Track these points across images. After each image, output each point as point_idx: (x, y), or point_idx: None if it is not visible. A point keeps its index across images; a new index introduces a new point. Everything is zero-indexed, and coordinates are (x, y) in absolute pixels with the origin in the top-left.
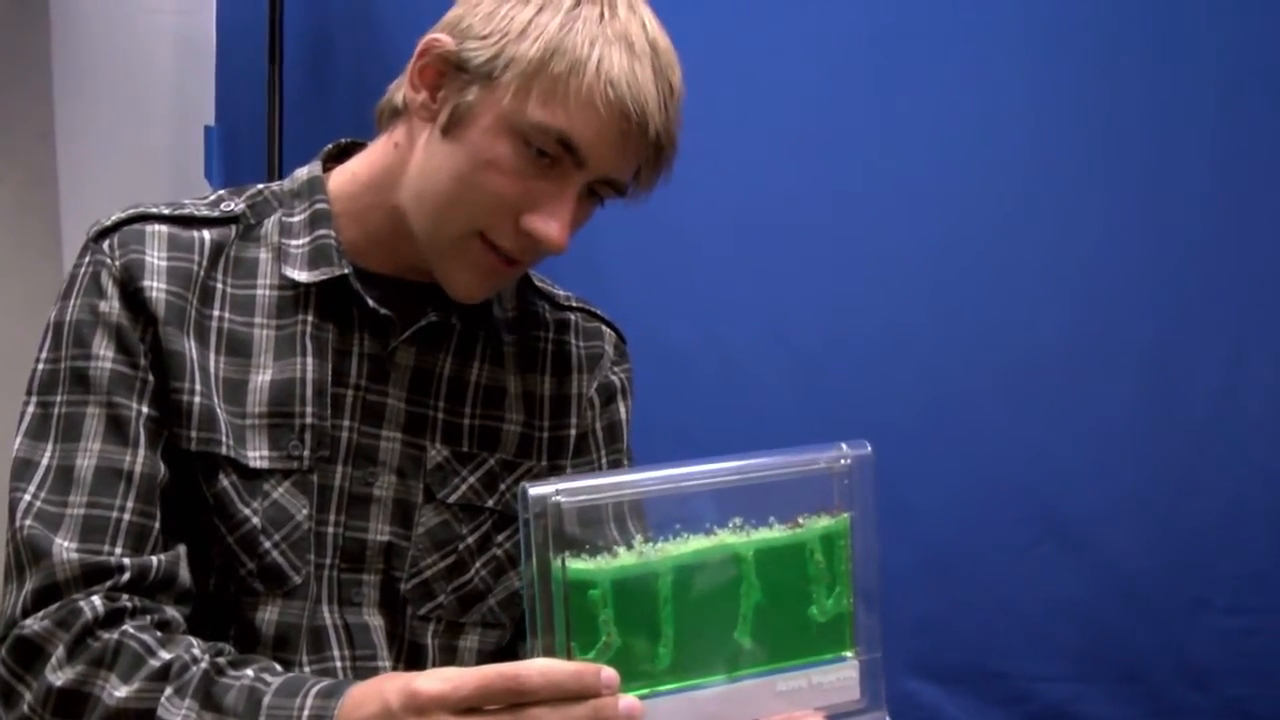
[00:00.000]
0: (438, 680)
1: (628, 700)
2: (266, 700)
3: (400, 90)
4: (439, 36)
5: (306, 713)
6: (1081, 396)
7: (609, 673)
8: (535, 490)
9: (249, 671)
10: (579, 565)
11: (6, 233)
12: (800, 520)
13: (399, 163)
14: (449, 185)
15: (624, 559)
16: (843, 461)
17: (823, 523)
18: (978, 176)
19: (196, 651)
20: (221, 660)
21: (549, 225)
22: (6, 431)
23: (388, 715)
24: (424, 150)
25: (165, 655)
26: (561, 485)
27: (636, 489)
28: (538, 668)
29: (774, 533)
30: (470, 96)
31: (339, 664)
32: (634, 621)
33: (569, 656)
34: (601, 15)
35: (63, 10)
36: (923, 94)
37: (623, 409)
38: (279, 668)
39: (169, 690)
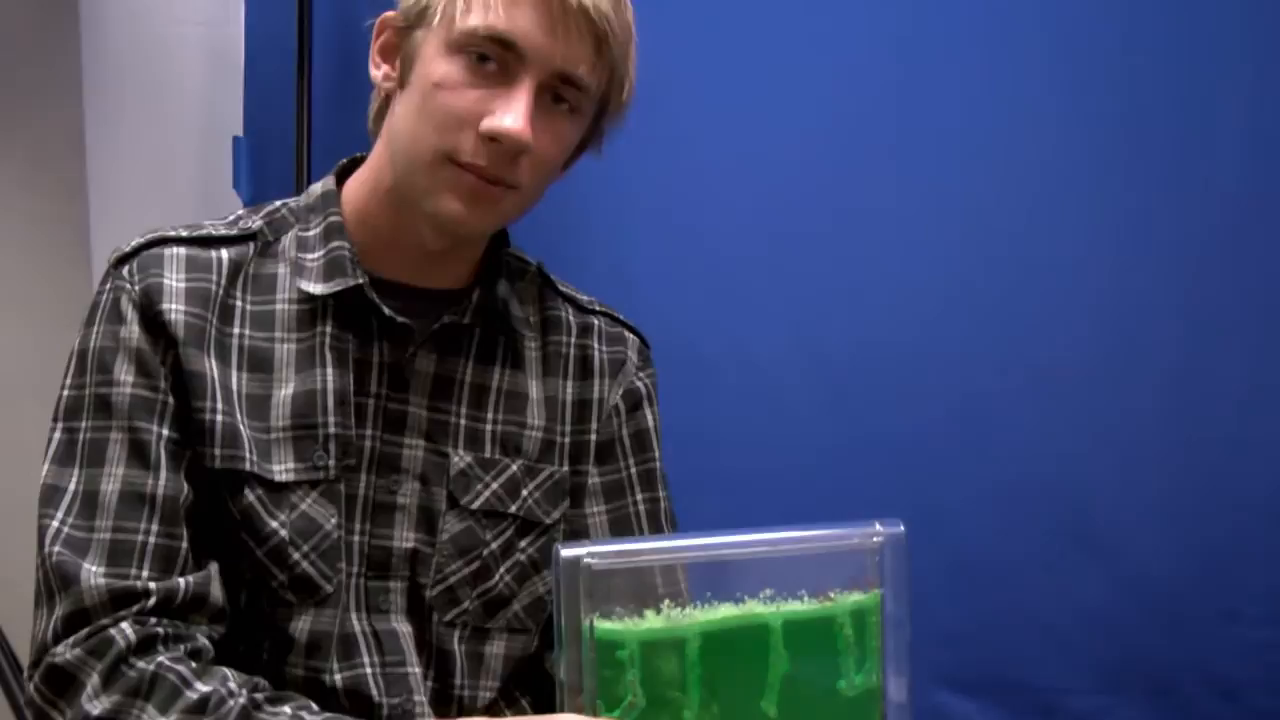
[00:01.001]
0: None
1: None
2: None
3: (378, 93)
4: (385, 14)
5: None
6: (1109, 404)
7: None
8: (566, 552)
9: (286, 709)
10: (607, 625)
11: (37, 242)
12: (831, 594)
13: (384, 148)
14: (411, 122)
15: (652, 622)
16: (875, 539)
17: (853, 598)
18: (1004, 183)
19: (233, 685)
20: (259, 695)
21: (504, 117)
22: (37, 439)
23: None
24: (393, 114)
25: (202, 688)
26: (593, 548)
27: (667, 555)
28: None
29: (804, 605)
30: (415, 41)
31: (369, 670)
32: (660, 684)
33: (594, 714)
34: None
35: (92, 23)
36: (948, 99)
37: (649, 416)
38: (315, 706)
39: None
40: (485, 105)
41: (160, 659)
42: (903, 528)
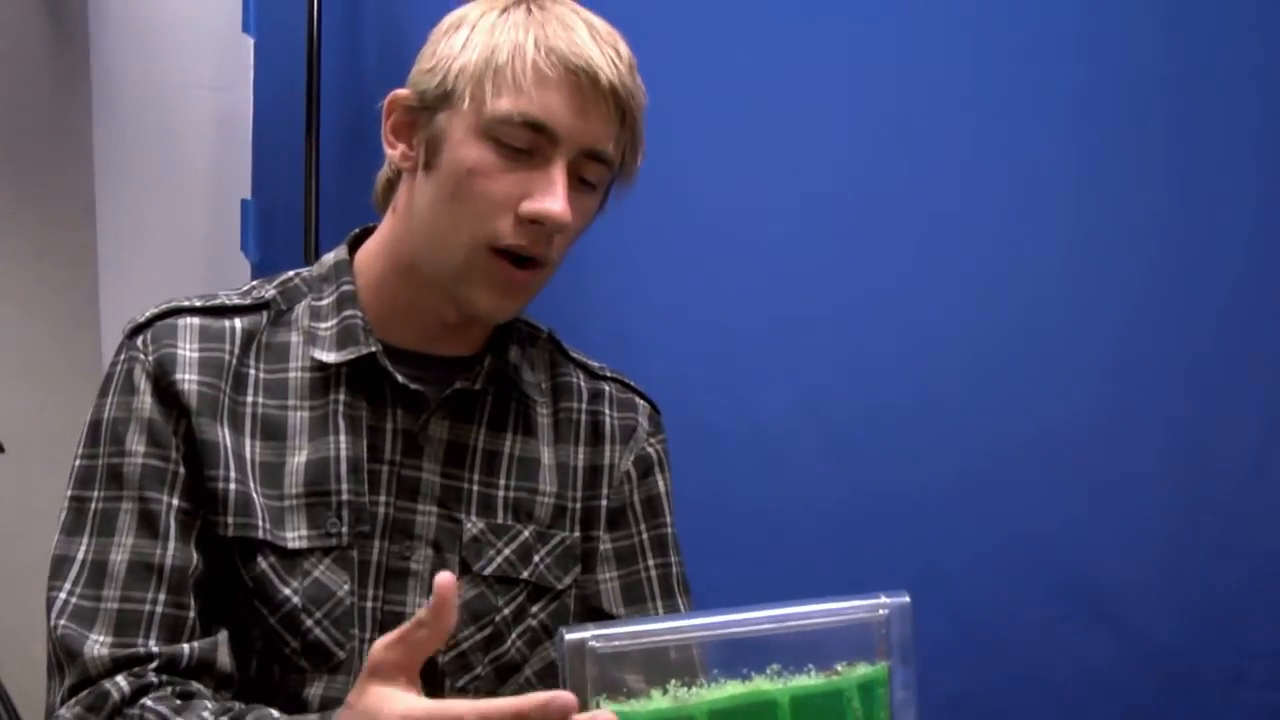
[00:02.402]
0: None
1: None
2: None
3: (386, 166)
4: (396, 91)
5: None
6: (1115, 468)
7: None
8: (571, 635)
9: (250, 716)
10: (613, 707)
11: (48, 307)
12: (838, 668)
13: (400, 224)
14: (443, 208)
15: (659, 702)
16: (881, 611)
17: (860, 670)
18: (1009, 249)
19: (208, 711)
20: (226, 718)
21: (545, 201)
22: (48, 503)
23: None
24: (415, 194)
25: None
26: (598, 631)
27: (672, 635)
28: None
29: (811, 680)
30: (438, 123)
31: None
32: None
33: None
34: (529, 11)
35: (103, 88)
36: (952, 165)
37: (661, 481)
38: (277, 713)
39: None
40: (522, 188)
41: (144, 701)
42: (908, 598)
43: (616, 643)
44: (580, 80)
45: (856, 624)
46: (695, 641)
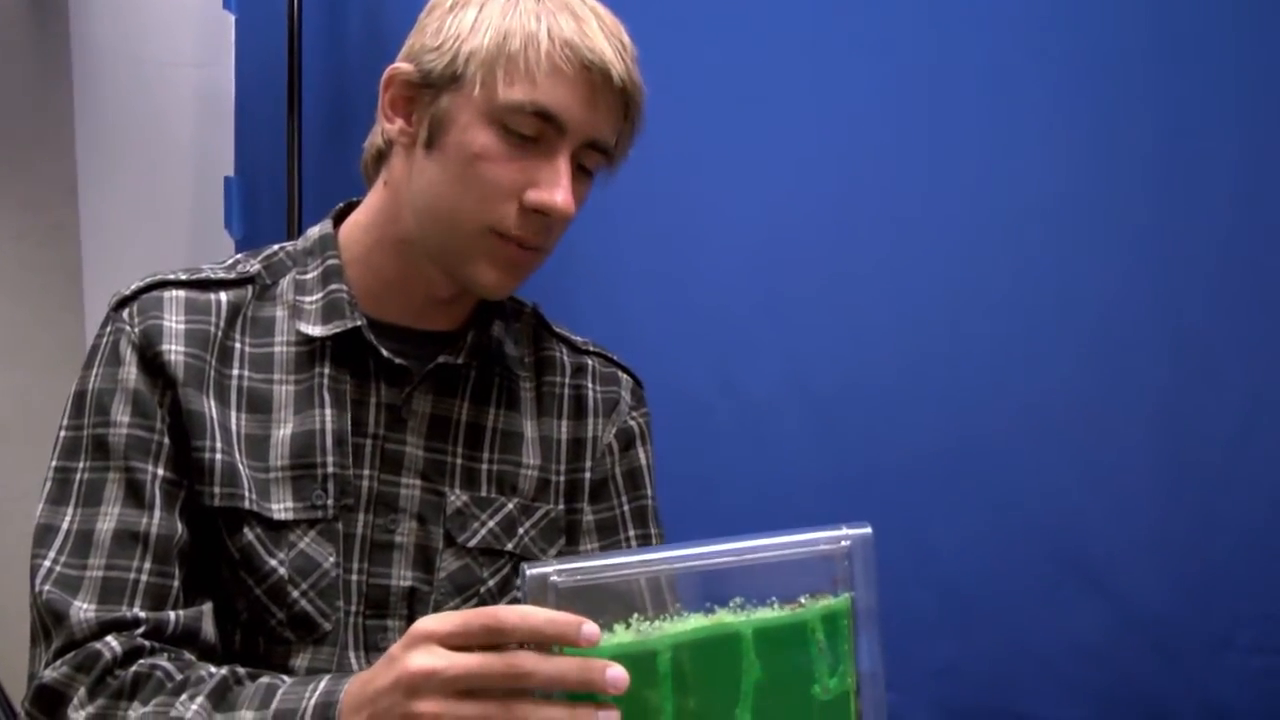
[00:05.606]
0: (433, 619)
1: (615, 669)
2: (281, 691)
3: (376, 136)
4: (397, 65)
5: (318, 695)
6: (1101, 437)
7: (590, 627)
8: (533, 570)
9: (264, 679)
10: None
11: (31, 287)
12: (801, 600)
13: (393, 198)
14: (448, 190)
15: (621, 637)
16: (843, 543)
17: (824, 602)
18: (994, 221)
19: (213, 669)
20: (241, 671)
21: (553, 194)
22: (30, 482)
23: (388, 659)
24: (414, 172)
25: (180, 676)
26: (560, 566)
27: (634, 569)
28: (517, 611)
29: (774, 612)
30: (443, 104)
31: None
32: (632, 699)
33: None
34: None
35: (84, 65)
36: (939, 140)
37: (642, 454)
38: (286, 677)
39: (184, 696)
40: (527, 176)
41: (141, 660)
42: (870, 529)
43: (579, 578)
44: (593, 76)
45: (819, 555)
46: (658, 575)
